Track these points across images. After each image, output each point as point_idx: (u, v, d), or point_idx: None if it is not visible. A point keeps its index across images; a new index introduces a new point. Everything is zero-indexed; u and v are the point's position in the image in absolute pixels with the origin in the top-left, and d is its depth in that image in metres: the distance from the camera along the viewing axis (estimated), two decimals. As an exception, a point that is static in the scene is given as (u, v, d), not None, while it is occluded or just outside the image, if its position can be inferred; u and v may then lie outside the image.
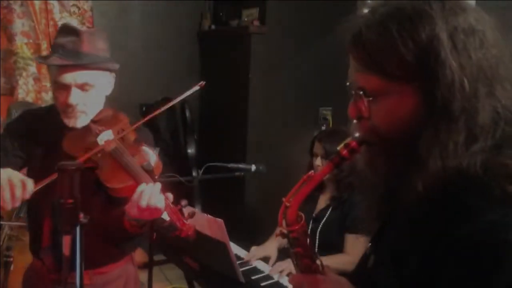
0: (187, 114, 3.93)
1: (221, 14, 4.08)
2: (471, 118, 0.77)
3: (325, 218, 2.33)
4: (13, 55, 3.58)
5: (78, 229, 1.17)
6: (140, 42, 4.01)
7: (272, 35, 3.55)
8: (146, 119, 1.60)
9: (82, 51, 1.52)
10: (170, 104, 1.66)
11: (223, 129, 3.98)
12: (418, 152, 0.79)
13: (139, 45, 4.00)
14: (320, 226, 2.32)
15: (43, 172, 1.39)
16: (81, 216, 1.16)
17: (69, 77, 1.51)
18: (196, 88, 1.64)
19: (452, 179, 0.77)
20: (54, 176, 1.36)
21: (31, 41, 3.62)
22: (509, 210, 0.73)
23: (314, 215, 2.38)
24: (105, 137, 1.52)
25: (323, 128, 3.74)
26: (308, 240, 1.02)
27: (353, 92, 0.87)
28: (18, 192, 1.34)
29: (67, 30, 1.57)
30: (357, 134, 0.90)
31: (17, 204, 1.36)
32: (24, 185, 1.36)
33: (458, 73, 0.76)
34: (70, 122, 1.57)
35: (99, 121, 1.58)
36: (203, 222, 1.94)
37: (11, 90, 3.61)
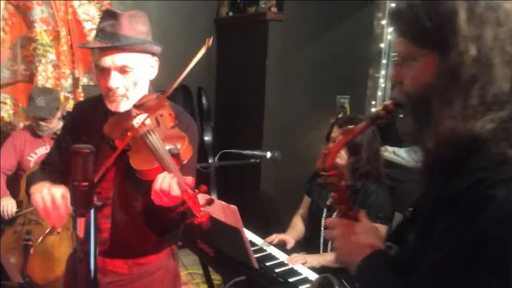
0: (204, 101, 3.93)
1: (238, 1, 4.05)
2: (484, 86, 0.83)
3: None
4: (32, 42, 3.61)
5: (92, 212, 1.18)
6: (156, 29, 3.94)
7: (289, 22, 3.52)
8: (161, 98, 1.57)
9: (120, 33, 1.50)
10: (179, 78, 1.56)
11: (240, 116, 3.98)
12: (432, 114, 0.89)
13: (155, 32, 3.96)
14: (334, 214, 2.30)
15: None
16: (95, 199, 1.18)
17: (108, 60, 1.50)
18: (203, 50, 1.54)
19: (461, 142, 0.85)
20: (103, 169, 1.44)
21: (50, 28, 3.66)
22: (503, 169, 0.79)
23: (328, 203, 2.37)
24: (141, 120, 1.50)
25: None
26: (344, 186, 1.16)
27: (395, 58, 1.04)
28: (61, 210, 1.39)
29: (107, 14, 1.56)
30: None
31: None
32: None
33: (470, 42, 0.83)
34: (112, 106, 1.56)
35: (140, 106, 1.57)
36: (218, 208, 1.94)
37: (31, 77, 3.66)
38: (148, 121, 1.50)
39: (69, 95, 3.80)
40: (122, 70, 1.51)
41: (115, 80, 1.51)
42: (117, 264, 1.64)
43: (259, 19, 3.57)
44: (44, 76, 3.67)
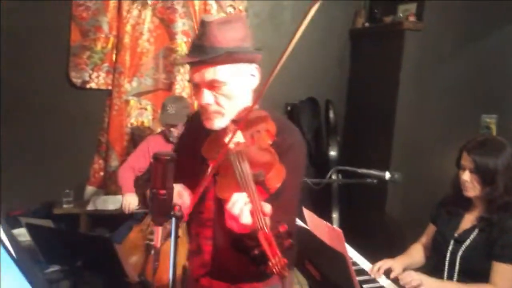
0: (331, 114, 3.80)
1: (376, 11, 3.86)
2: None
3: (469, 240, 2.00)
4: (173, 53, 3.85)
5: (173, 222, 1.14)
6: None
7: (429, 31, 3.24)
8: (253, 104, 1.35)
9: (206, 45, 1.34)
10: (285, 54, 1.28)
11: (368, 132, 3.77)
12: None
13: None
14: (463, 248, 2.01)
15: (190, 181, 1.32)
16: (177, 209, 1.13)
17: (196, 76, 1.38)
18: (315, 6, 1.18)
19: None
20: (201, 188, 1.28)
21: (190, 39, 3.86)
22: None
23: (456, 234, 2.06)
24: (236, 139, 1.34)
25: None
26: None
27: None
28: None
29: (200, 24, 1.40)
30: None
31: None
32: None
33: None
34: (207, 124, 1.42)
35: (238, 121, 1.39)
36: (323, 229, 1.80)
37: (170, 86, 3.90)
38: (241, 139, 1.34)
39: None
40: (212, 85, 1.37)
41: (206, 97, 1.38)
42: (222, 287, 1.53)
43: (395, 29, 3.35)
44: (182, 85, 3.89)
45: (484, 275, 1.92)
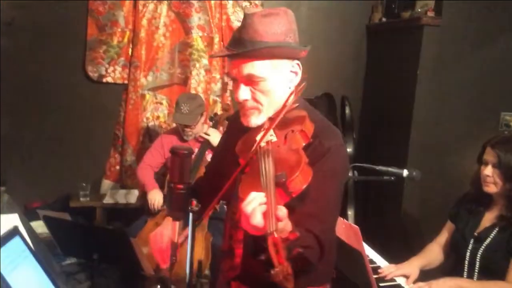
0: (347, 111, 3.76)
1: (393, 6, 3.80)
2: None
3: (489, 239, 1.97)
4: (189, 47, 3.84)
5: (190, 217, 1.14)
6: (305, 35, 3.96)
7: (448, 27, 3.17)
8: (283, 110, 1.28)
9: (246, 38, 1.29)
10: None
11: (385, 129, 3.73)
12: None
13: (304, 38, 3.94)
14: (483, 247, 1.98)
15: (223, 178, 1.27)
16: (194, 204, 1.13)
17: (234, 70, 1.34)
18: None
19: None
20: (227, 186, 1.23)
21: (205, 34, 3.86)
22: None
23: (476, 233, 2.03)
24: (268, 137, 1.27)
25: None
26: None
27: None
28: None
29: (243, 16, 1.35)
30: None
31: None
32: None
33: None
34: (244, 121, 1.39)
35: (273, 119, 1.33)
36: (340, 226, 1.78)
37: (185, 80, 3.89)
38: (274, 138, 1.27)
39: (217, 98, 3.96)
40: (250, 80, 1.32)
41: (243, 93, 1.34)
42: None
43: (413, 24, 3.29)
44: (197, 80, 3.88)
45: (503, 274, 1.89)
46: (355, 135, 3.80)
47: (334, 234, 1.47)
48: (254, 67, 1.30)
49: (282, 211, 1.02)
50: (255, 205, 1.04)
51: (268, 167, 1.13)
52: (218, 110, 3.92)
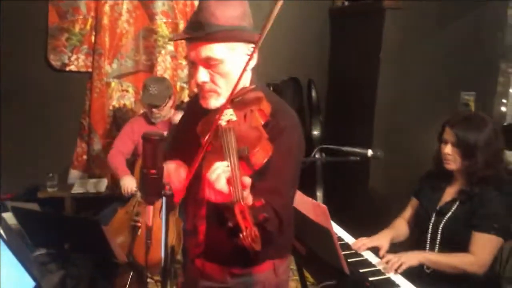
0: (313, 94, 3.82)
1: (355, -11, 3.86)
2: None
3: (450, 213, 2.08)
4: (153, 34, 3.81)
5: (164, 201, 1.16)
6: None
7: (409, 10, 3.25)
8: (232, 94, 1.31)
9: (202, 22, 1.31)
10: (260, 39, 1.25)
11: (350, 111, 3.81)
12: None
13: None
14: (444, 220, 2.08)
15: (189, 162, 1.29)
16: (167, 188, 1.15)
17: (192, 53, 1.36)
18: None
19: None
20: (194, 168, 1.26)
21: (169, 20, 3.83)
22: None
23: (438, 207, 2.14)
24: (228, 117, 1.33)
25: (462, 114, 3.36)
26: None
27: None
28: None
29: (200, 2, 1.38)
30: None
31: None
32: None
33: None
34: (204, 103, 1.41)
35: (233, 101, 1.38)
36: (308, 206, 1.84)
37: (151, 67, 3.86)
38: (234, 117, 1.33)
39: (184, 85, 3.95)
40: (207, 63, 1.35)
41: (202, 75, 1.36)
42: (214, 269, 1.52)
43: (375, 8, 3.36)
44: (163, 67, 3.86)
45: (464, 246, 1.99)
46: (322, 117, 3.87)
47: (292, 209, 1.55)
48: (211, 50, 1.33)
49: (247, 179, 1.09)
50: (219, 172, 1.10)
51: (230, 142, 1.19)
52: (186, 97, 3.91)
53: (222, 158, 1.16)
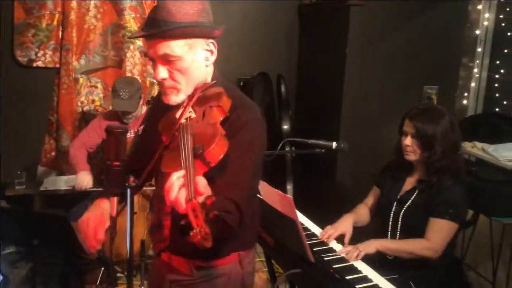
0: (283, 89, 3.87)
1: (323, -14, 3.93)
2: None
3: (410, 201, 2.17)
4: (121, 29, 3.79)
5: (128, 192, 1.19)
6: (239, 17, 4.03)
7: (373, 7, 3.34)
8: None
9: (159, 18, 1.32)
10: None
11: (319, 105, 3.88)
12: None
13: (238, 20, 4.02)
14: (404, 208, 2.18)
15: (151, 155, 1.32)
16: (131, 180, 1.18)
17: (151, 50, 1.37)
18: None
19: None
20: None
21: (138, 15, 3.81)
22: None
23: (398, 196, 2.23)
24: (188, 114, 1.34)
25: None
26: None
27: None
28: None
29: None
30: None
31: None
32: None
33: None
34: (165, 99, 1.42)
35: (192, 98, 1.40)
36: (275, 197, 1.89)
37: (120, 63, 3.84)
38: (192, 114, 1.34)
39: (154, 80, 3.94)
40: (166, 60, 1.36)
41: (161, 72, 1.37)
42: (180, 263, 1.55)
43: (340, 5, 3.43)
44: (132, 62, 3.84)
45: (423, 232, 2.09)
46: (291, 112, 3.93)
47: (255, 202, 1.58)
48: (169, 47, 1.34)
49: (202, 181, 1.10)
50: (172, 181, 1.09)
51: (186, 140, 1.20)
52: (155, 92, 3.91)
53: (180, 157, 1.18)
